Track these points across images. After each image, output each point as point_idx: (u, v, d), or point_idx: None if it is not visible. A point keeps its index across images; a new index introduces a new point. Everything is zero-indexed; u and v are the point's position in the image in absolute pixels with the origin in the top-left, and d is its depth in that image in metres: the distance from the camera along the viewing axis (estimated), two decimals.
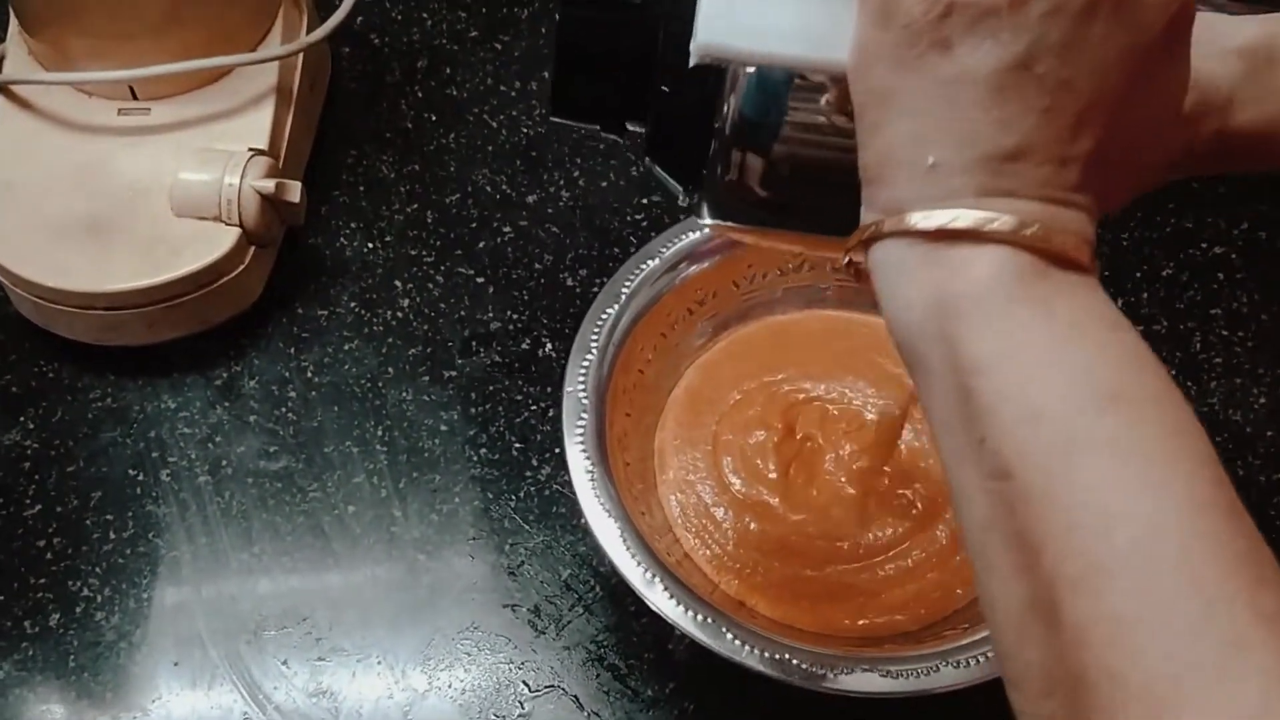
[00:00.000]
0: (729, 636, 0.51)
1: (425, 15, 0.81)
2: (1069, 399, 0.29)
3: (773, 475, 0.60)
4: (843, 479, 0.60)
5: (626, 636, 0.58)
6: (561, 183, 0.73)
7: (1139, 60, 0.31)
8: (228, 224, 0.62)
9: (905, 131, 0.32)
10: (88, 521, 0.61)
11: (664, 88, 0.38)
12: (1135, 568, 0.27)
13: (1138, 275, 0.70)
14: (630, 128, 0.40)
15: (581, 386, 0.57)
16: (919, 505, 0.59)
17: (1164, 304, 0.69)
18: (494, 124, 0.76)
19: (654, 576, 0.52)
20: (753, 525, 0.59)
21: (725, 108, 0.36)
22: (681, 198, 0.40)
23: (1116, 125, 0.32)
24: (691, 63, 0.35)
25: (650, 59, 0.38)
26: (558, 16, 0.39)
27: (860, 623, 0.56)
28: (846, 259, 0.35)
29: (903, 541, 0.58)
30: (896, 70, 0.32)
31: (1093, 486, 0.28)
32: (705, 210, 0.39)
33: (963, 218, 0.31)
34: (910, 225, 0.31)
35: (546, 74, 0.77)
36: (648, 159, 0.41)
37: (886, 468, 0.59)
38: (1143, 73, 0.32)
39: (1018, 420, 0.29)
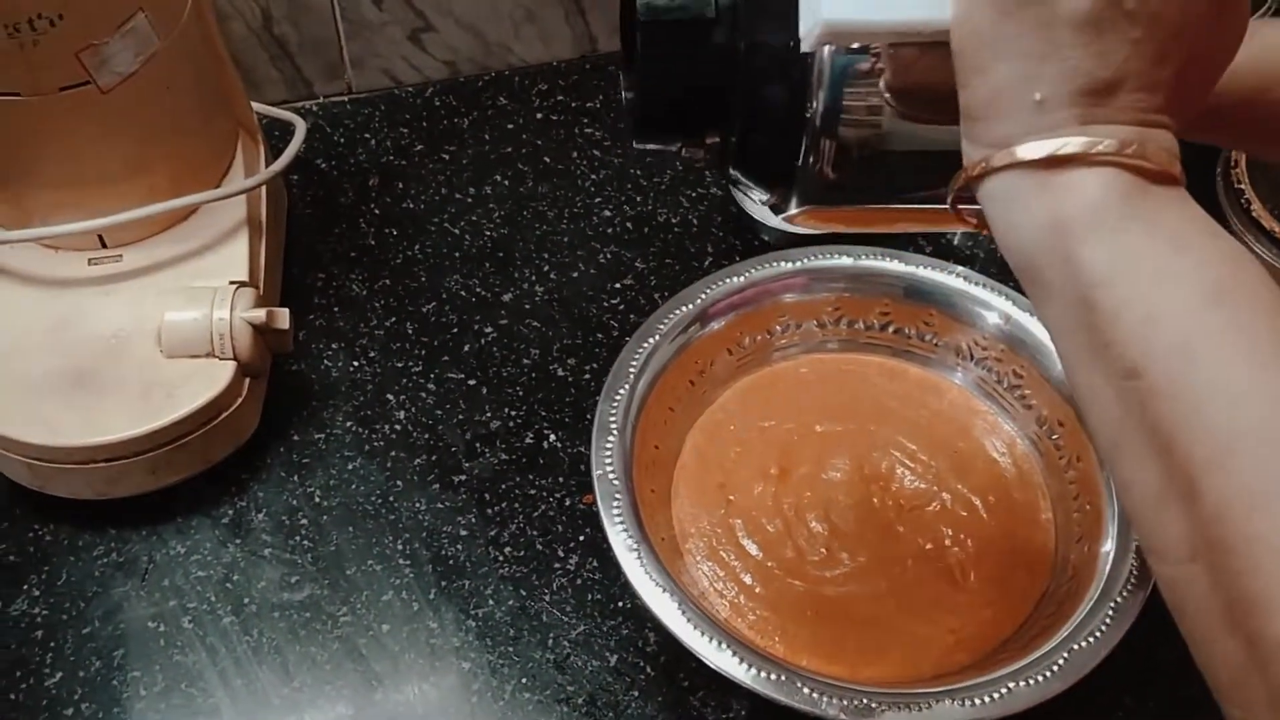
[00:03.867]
0: (806, 691, 0.51)
1: (368, 135, 0.81)
2: (1183, 301, 0.33)
3: (785, 537, 0.60)
4: (852, 512, 0.61)
5: (686, 712, 0.58)
6: (533, 279, 0.74)
7: None
8: (221, 359, 0.62)
9: (1010, 72, 0.34)
10: (114, 682, 0.58)
11: (750, 90, 0.39)
12: (1263, 444, 0.31)
13: None
14: (709, 141, 0.42)
15: (610, 467, 0.58)
16: (958, 550, 0.60)
17: None
18: (456, 230, 0.76)
19: (721, 644, 0.52)
20: (783, 588, 0.59)
21: (815, 96, 0.38)
22: (768, 199, 0.42)
23: (1194, 50, 0.35)
24: (806, 47, 0.37)
25: (733, 64, 0.39)
26: (638, 36, 0.39)
27: (920, 669, 0.57)
28: (950, 198, 0.38)
29: (953, 596, 0.59)
30: (1000, 18, 0.34)
31: (1213, 377, 0.32)
32: (794, 202, 0.41)
33: (1071, 144, 0.34)
34: (1021, 157, 0.34)
35: (499, 176, 0.79)
36: (730, 168, 0.42)
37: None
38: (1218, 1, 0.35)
39: (1140, 324, 0.33)
